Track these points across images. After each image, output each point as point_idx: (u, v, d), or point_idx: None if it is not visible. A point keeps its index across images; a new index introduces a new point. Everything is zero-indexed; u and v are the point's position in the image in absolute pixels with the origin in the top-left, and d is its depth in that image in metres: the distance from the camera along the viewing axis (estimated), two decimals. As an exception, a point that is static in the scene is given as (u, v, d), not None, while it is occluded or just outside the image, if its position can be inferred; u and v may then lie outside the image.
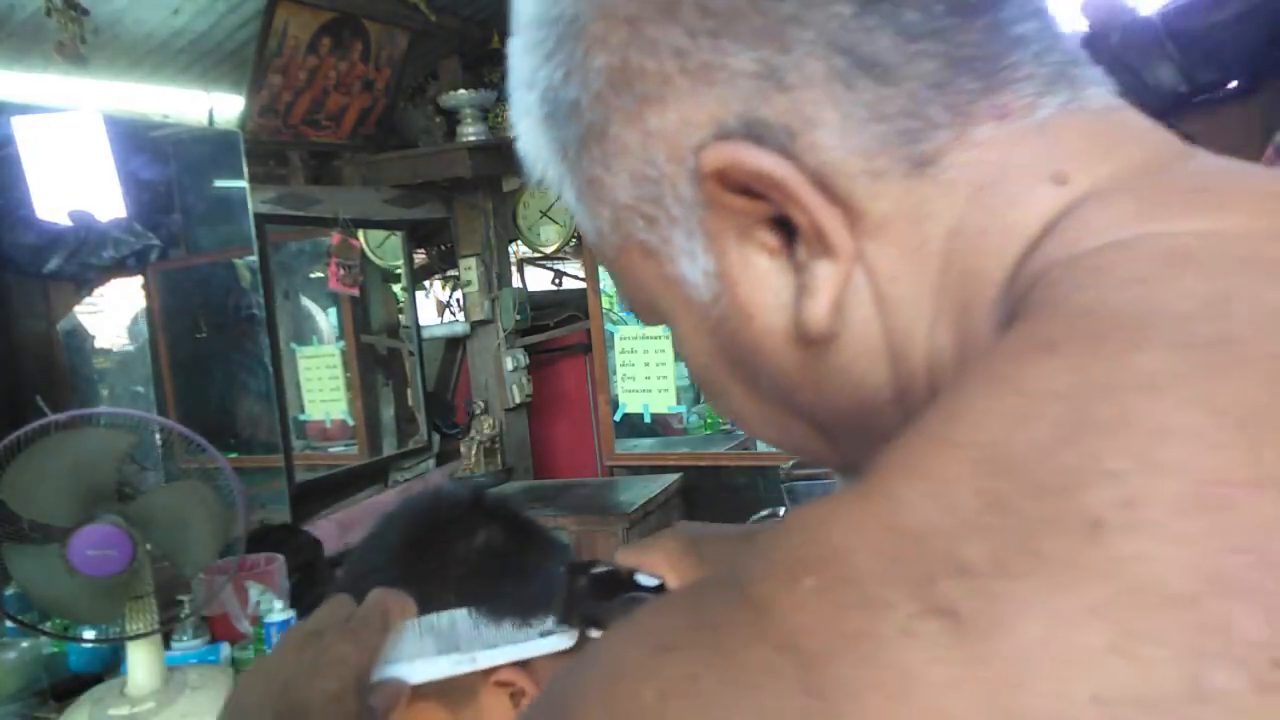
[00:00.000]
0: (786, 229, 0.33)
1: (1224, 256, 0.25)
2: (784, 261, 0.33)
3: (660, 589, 0.64)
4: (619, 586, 0.64)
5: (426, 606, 0.73)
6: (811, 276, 0.32)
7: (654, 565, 0.65)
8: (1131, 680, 0.19)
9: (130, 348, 2.46)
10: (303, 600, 1.85)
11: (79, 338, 2.26)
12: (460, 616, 0.66)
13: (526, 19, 0.36)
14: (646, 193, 0.34)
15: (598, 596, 0.64)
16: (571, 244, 3.37)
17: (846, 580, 0.22)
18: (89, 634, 1.55)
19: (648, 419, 3.31)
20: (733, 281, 0.34)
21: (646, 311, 0.39)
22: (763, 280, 0.34)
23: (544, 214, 3.29)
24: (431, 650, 0.63)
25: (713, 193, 0.32)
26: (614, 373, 3.33)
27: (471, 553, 0.75)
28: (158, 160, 2.34)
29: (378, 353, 3.25)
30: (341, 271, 2.73)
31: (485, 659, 0.63)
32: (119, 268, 2.14)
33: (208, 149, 2.46)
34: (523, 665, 0.69)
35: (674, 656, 0.25)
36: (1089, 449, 0.22)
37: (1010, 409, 0.24)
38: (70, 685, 1.62)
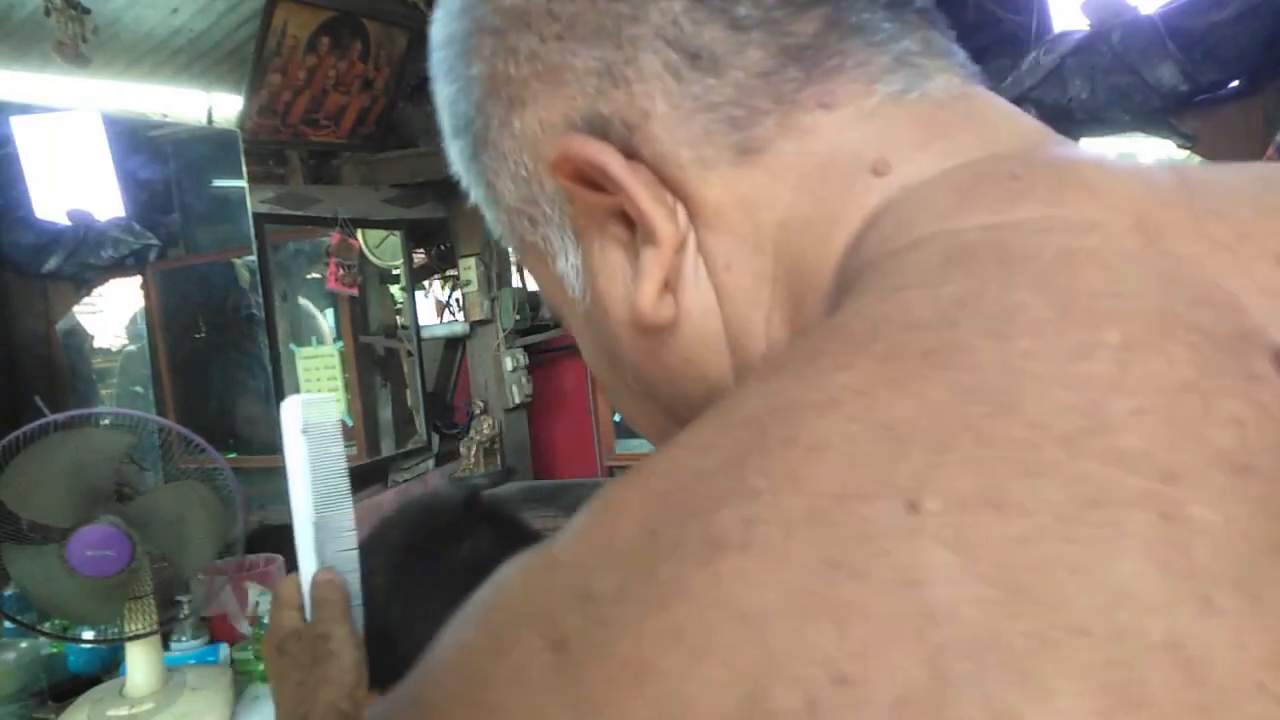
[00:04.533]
0: None
1: (996, 253, 0.24)
2: (632, 253, 0.33)
3: None
4: None
5: (419, 613, 0.72)
6: (640, 264, 0.32)
7: None
8: (694, 703, 0.18)
9: (129, 348, 2.45)
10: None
11: (78, 338, 2.25)
12: None
13: (434, 43, 0.38)
14: (525, 194, 0.35)
15: None
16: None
17: (495, 623, 0.23)
18: (88, 634, 1.55)
19: (647, 419, 3.31)
20: (594, 275, 0.34)
21: (552, 309, 0.39)
22: (615, 272, 0.34)
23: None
24: None
25: (569, 188, 0.33)
26: (613, 373, 3.32)
27: (462, 560, 0.74)
28: (156, 160, 2.34)
29: (376, 353, 3.24)
30: (340, 271, 2.73)
31: None
32: (118, 267, 2.13)
33: (206, 148, 2.46)
34: None
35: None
36: (741, 470, 0.21)
37: (702, 438, 0.23)
38: (69, 686, 1.61)
